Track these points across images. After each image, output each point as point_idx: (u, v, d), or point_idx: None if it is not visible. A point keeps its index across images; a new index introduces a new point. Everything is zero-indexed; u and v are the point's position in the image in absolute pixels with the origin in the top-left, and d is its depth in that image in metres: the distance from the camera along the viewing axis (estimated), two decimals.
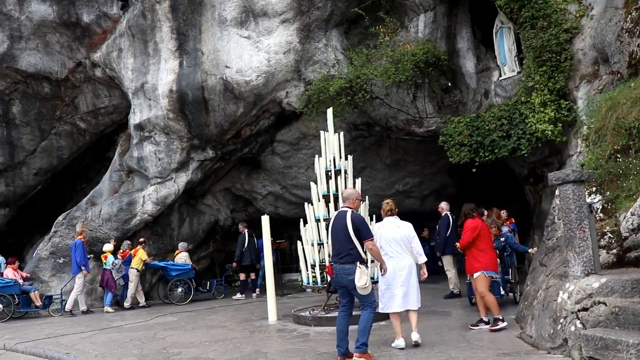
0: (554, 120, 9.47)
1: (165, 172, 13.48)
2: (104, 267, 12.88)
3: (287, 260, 17.95)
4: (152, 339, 8.43)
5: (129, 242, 13.47)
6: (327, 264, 6.89)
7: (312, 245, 9.08)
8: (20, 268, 13.34)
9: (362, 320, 5.87)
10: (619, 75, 8.05)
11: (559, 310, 5.66)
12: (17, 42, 13.92)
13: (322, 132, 9.57)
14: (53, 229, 13.97)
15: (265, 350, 6.99)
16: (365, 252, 6.01)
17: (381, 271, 6.15)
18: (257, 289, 13.76)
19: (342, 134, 9.62)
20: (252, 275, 13.89)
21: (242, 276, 13.77)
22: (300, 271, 9.63)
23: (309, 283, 9.20)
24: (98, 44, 13.97)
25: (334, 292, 6.67)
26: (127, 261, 13.05)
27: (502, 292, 8.66)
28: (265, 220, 9.82)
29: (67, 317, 12.02)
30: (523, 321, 6.96)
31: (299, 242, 9.37)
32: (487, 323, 7.25)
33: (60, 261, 13.55)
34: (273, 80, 12.20)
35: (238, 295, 13.46)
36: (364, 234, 5.88)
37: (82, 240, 12.44)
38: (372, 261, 7.39)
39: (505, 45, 11.04)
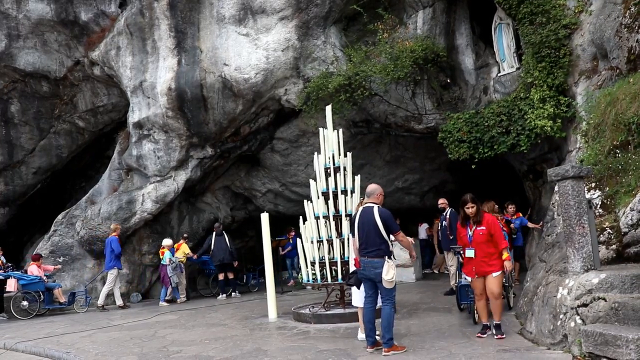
0: (553, 116, 9.46)
1: (164, 170, 13.48)
2: (162, 262, 13.22)
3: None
4: (153, 338, 8.43)
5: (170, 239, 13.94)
6: (353, 257, 7.08)
7: (312, 242, 9.07)
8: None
9: (384, 317, 6.09)
10: (617, 70, 8.04)
11: (558, 306, 5.66)
12: (15, 40, 13.91)
13: (321, 129, 9.55)
14: (53, 228, 13.99)
15: (265, 348, 7.00)
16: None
17: (411, 259, 6.93)
18: (236, 291, 13.77)
19: (341, 131, 9.61)
20: (230, 275, 13.77)
21: (220, 276, 13.68)
22: (300, 268, 9.62)
23: (308, 280, 9.20)
24: (96, 43, 13.95)
25: (352, 285, 6.78)
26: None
27: None
28: (264, 217, 9.81)
29: (100, 313, 12.17)
30: (523, 317, 6.97)
31: (298, 240, 9.37)
32: (490, 328, 6.64)
33: (60, 260, 13.57)
34: (272, 78, 12.18)
35: (220, 296, 13.43)
36: (392, 227, 6.17)
37: (117, 236, 12.70)
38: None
39: (504, 41, 11.02)
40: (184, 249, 13.54)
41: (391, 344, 6.06)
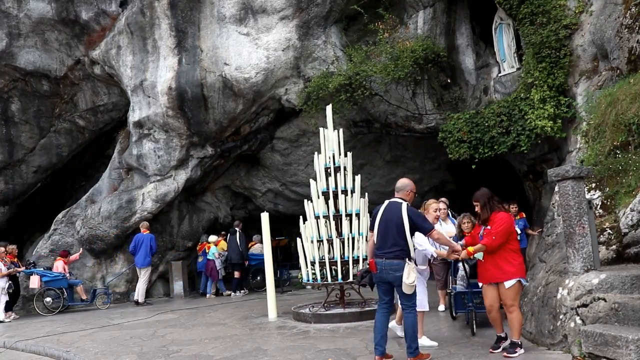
0: (553, 117, 9.46)
1: (164, 169, 13.48)
2: (208, 257, 13.83)
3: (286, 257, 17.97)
4: (152, 337, 8.44)
5: (206, 235, 14.59)
6: (368, 258, 6.33)
7: (312, 242, 9.08)
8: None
9: (407, 326, 5.55)
10: (618, 71, 8.04)
11: (558, 307, 5.66)
12: (15, 39, 13.90)
13: (321, 129, 9.56)
14: (53, 227, 14.00)
15: (265, 348, 7.00)
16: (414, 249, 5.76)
17: (454, 253, 6.02)
18: (238, 290, 13.89)
19: (341, 130, 9.61)
20: (237, 274, 13.87)
21: (236, 274, 13.85)
22: (299, 268, 9.63)
23: (308, 280, 9.20)
24: (97, 42, 13.95)
25: (365, 286, 6.22)
26: (205, 252, 14.10)
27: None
28: (264, 217, 9.82)
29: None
30: (522, 317, 6.95)
31: (298, 239, 9.37)
32: (505, 339, 5.91)
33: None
34: (272, 77, 12.18)
35: (233, 294, 13.74)
36: (424, 227, 5.62)
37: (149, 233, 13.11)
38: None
39: (504, 41, 11.01)
40: (222, 246, 14.05)
41: (417, 353, 5.55)
